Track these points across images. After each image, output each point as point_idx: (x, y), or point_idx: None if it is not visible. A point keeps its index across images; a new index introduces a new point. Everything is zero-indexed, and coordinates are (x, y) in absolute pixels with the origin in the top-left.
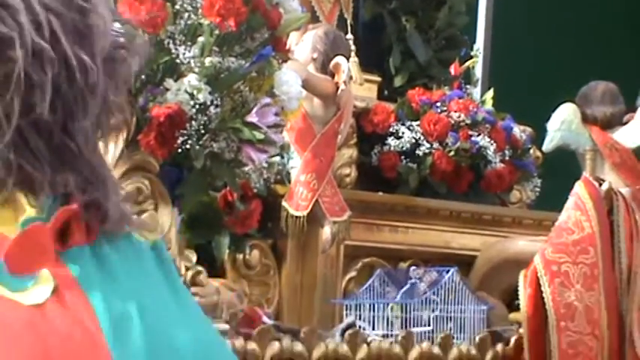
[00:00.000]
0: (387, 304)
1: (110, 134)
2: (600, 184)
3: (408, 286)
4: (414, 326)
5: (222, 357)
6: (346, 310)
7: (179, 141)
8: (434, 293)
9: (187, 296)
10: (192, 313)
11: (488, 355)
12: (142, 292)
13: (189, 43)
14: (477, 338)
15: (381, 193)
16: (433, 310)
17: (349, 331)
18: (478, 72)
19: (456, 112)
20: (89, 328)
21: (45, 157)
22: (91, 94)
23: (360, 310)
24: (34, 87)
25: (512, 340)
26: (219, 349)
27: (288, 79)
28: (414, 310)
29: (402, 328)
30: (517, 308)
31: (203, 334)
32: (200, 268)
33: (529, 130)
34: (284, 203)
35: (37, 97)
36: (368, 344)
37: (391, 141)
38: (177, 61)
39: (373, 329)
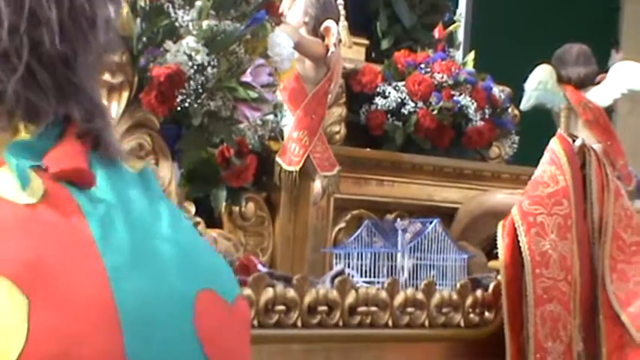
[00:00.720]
0: (374, 253)
1: (113, 92)
2: (574, 141)
3: (394, 236)
4: (399, 274)
5: (207, 256)
6: (336, 258)
7: (178, 99)
8: (418, 243)
9: (171, 203)
10: (176, 216)
11: (469, 300)
12: (127, 195)
13: (187, 7)
14: (458, 285)
15: (368, 149)
16: (417, 259)
17: (338, 278)
18: (460, 35)
19: (439, 73)
20: (77, 227)
21: (50, 90)
22: (92, 30)
23: (348, 259)
24: (41, 24)
25: (491, 286)
26: (204, 248)
27: (281, 41)
28: (399, 259)
29: (387, 275)
30: (495, 257)
31: (187, 234)
32: (199, 219)
33: (507, 90)
34: (277, 159)
35: (45, 34)
36: (356, 290)
37: (378, 100)
38: (176, 24)
39: (361, 276)
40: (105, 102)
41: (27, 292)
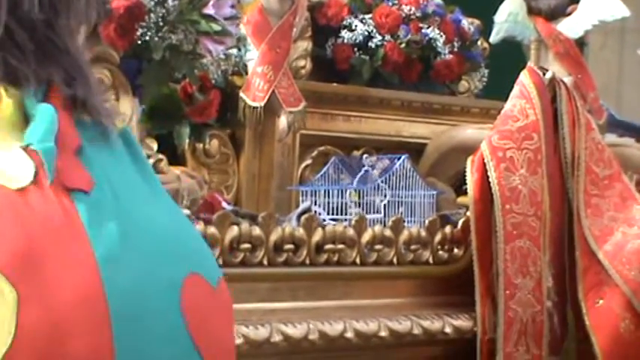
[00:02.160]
0: (342, 191)
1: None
2: (544, 74)
3: (361, 173)
4: (367, 211)
5: (192, 239)
6: (302, 196)
7: (138, 33)
8: (386, 180)
9: (156, 180)
10: (161, 197)
11: (437, 237)
12: (114, 177)
13: None
14: (427, 221)
15: (335, 84)
16: (385, 196)
17: (305, 216)
18: None
19: (406, 5)
20: (68, 212)
21: (30, 52)
22: None
23: (315, 197)
24: None
25: (460, 222)
26: (189, 231)
27: None
28: (366, 196)
29: (354, 213)
30: (465, 193)
31: (174, 217)
32: (161, 156)
33: (477, 22)
34: (241, 94)
35: None
36: (323, 228)
37: (344, 34)
38: None
39: (328, 214)
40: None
41: (16, 284)
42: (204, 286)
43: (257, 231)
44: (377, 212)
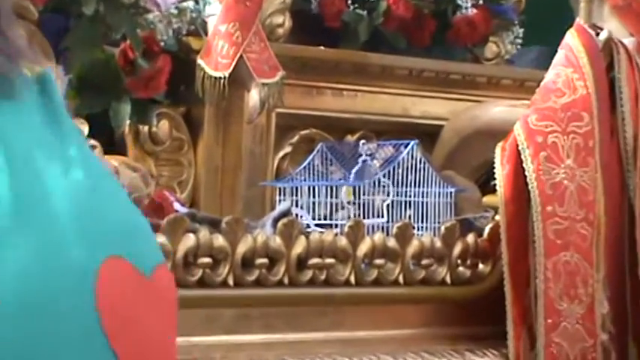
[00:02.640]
0: (331, 188)
1: None
2: (597, 34)
3: (358, 164)
4: (364, 215)
5: (119, 214)
6: (279, 195)
7: None
8: (389, 174)
9: (77, 141)
10: (82, 162)
11: (457, 249)
12: (12, 135)
13: None
14: (443, 228)
15: (322, 48)
16: (388, 195)
17: (283, 221)
18: None
19: None
20: None
21: None
22: None
23: (296, 195)
24: None
25: (487, 229)
26: (116, 205)
27: None
28: (364, 195)
29: (349, 216)
30: (492, 191)
31: (97, 187)
32: (93, 142)
33: None
34: (199, 61)
35: None
36: (306, 236)
37: None
38: None
39: (313, 219)
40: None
41: None
42: (130, 274)
43: (220, 241)
44: (378, 216)
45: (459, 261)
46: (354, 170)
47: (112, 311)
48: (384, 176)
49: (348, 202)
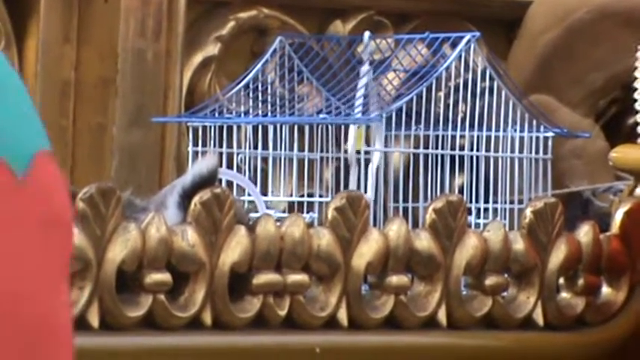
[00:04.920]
0: (298, 127)
1: None
2: None
3: (353, 80)
4: (364, 184)
5: None
6: (193, 143)
7: None
8: (418, 100)
9: None
10: None
11: (557, 255)
12: None
13: None
14: (529, 212)
15: None
16: (416, 143)
17: (201, 196)
18: None
19: None
20: None
21: None
22: None
23: (229, 143)
24: None
25: (619, 215)
26: None
27: None
28: (365, 144)
29: (335, 189)
30: (631, 134)
31: None
32: None
33: None
34: None
35: None
36: (250, 228)
37: None
38: None
39: (264, 193)
40: None
41: None
42: None
43: (79, 240)
44: (391, 186)
45: (561, 280)
46: (339, 89)
47: None
48: (408, 107)
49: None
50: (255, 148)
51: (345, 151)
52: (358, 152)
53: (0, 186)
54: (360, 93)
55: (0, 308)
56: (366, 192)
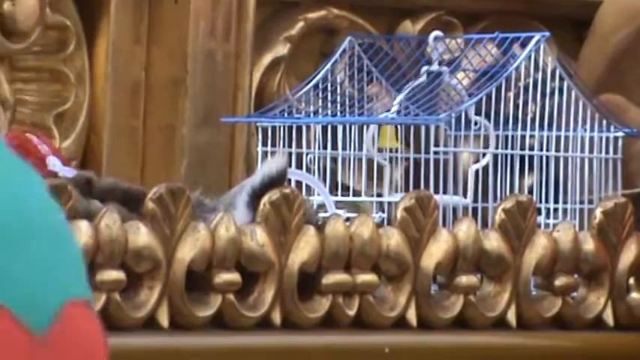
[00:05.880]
0: (365, 127)
1: None
2: None
3: (422, 80)
4: (434, 184)
5: None
6: (263, 142)
7: None
8: (487, 101)
9: None
10: None
11: (628, 255)
12: None
13: None
14: (599, 212)
15: None
16: (485, 144)
17: (270, 196)
18: None
19: None
20: None
21: None
22: None
23: (298, 143)
24: None
25: None
26: None
27: None
28: (434, 145)
29: (402, 188)
30: None
31: None
32: None
33: None
34: None
35: None
36: (319, 228)
37: None
38: None
39: (334, 192)
40: None
41: None
42: (8, 331)
43: (143, 237)
44: (460, 187)
45: (631, 280)
46: (409, 91)
47: None
48: (477, 107)
49: (387, 158)
50: (325, 148)
51: (417, 152)
52: (390, 150)
53: (16, 348)
54: (413, 91)
55: None
56: (435, 192)
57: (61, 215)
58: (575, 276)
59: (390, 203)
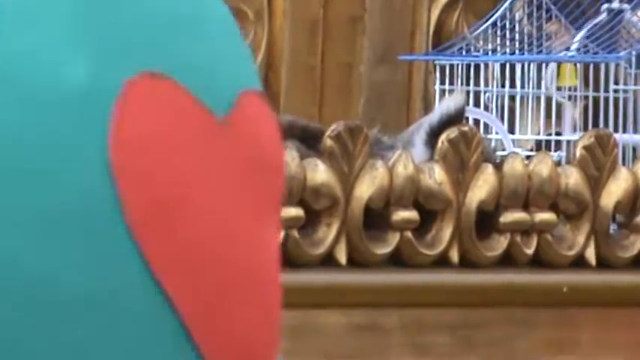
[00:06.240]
0: (544, 65)
1: None
2: None
3: (603, 19)
4: (614, 124)
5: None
6: (440, 81)
7: None
8: None
9: None
10: None
11: None
12: None
13: None
14: None
15: None
16: None
17: (448, 134)
18: None
19: None
20: None
21: None
22: None
23: (476, 82)
24: None
25: None
26: None
27: None
28: (615, 83)
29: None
30: None
31: None
32: None
33: None
34: None
35: None
36: (497, 166)
37: None
38: None
39: (511, 131)
40: None
41: None
42: (185, 109)
43: (321, 175)
44: None
45: None
46: (589, 29)
47: (143, 185)
48: None
49: (566, 96)
50: (503, 86)
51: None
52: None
53: (198, 129)
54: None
55: (211, 255)
56: (615, 131)
57: (228, 9)
58: None
59: (568, 142)
